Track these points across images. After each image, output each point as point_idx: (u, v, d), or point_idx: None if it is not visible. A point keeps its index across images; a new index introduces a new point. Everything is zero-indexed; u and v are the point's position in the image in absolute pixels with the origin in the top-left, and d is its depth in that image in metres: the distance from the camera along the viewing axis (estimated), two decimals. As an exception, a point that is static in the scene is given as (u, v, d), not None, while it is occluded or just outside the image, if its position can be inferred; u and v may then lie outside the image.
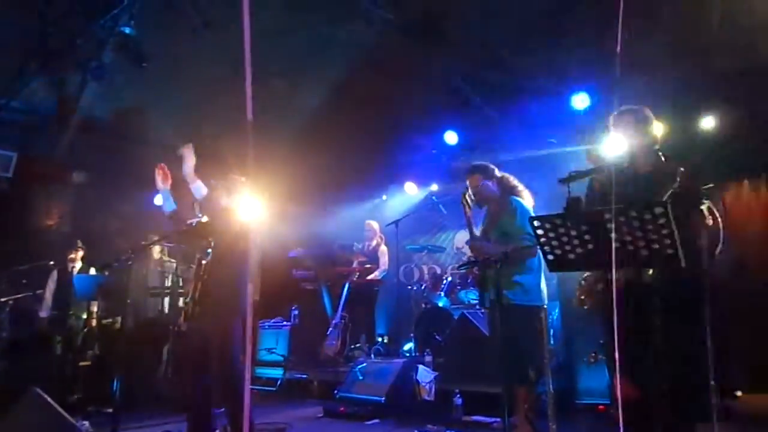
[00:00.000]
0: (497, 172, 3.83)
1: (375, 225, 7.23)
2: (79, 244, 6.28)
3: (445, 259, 7.79)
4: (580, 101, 5.79)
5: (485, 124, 6.61)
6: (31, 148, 6.33)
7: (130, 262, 3.52)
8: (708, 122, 5.38)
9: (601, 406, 4.51)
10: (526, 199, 3.75)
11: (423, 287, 6.85)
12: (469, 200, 3.74)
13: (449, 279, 6.69)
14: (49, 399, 2.38)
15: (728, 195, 5.63)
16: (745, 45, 4.56)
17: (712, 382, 2.45)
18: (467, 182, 3.81)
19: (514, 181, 3.82)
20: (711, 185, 2.56)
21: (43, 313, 5.96)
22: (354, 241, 7.44)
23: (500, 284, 3.25)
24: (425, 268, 7.97)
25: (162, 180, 3.84)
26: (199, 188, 3.69)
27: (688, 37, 4.70)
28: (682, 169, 2.39)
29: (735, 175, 5.65)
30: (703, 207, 2.39)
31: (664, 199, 2.32)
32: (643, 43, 4.40)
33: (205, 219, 3.78)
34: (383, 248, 7.10)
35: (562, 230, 2.24)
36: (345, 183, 8.19)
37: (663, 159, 2.56)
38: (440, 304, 6.44)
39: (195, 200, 3.76)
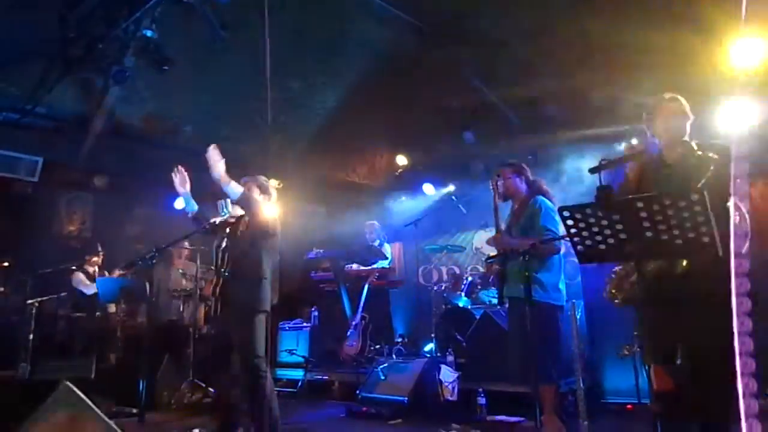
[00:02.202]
0: (530, 175, 3.91)
1: (376, 224, 7.30)
2: (100, 249, 6.35)
3: (464, 260, 7.73)
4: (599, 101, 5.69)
5: (503, 125, 6.56)
6: (55, 153, 6.40)
7: (153, 261, 3.54)
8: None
9: (629, 405, 4.43)
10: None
11: (443, 288, 6.81)
12: (498, 187, 3.80)
13: (469, 279, 6.64)
14: (80, 394, 2.40)
15: (755, 189, 5.50)
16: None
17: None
18: (499, 173, 3.88)
19: (544, 185, 3.89)
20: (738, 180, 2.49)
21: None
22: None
23: (522, 279, 3.23)
24: (444, 270, 7.92)
25: (180, 182, 3.83)
26: (233, 190, 3.51)
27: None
28: (716, 157, 2.33)
29: (762, 169, 5.51)
30: (729, 202, 2.32)
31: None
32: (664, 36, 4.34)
33: (236, 213, 3.78)
34: (386, 246, 7.18)
35: (592, 220, 2.18)
36: (362, 184, 8.19)
37: (697, 148, 2.50)
38: (461, 305, 6.39)
39: (231, 202, 3.70)
